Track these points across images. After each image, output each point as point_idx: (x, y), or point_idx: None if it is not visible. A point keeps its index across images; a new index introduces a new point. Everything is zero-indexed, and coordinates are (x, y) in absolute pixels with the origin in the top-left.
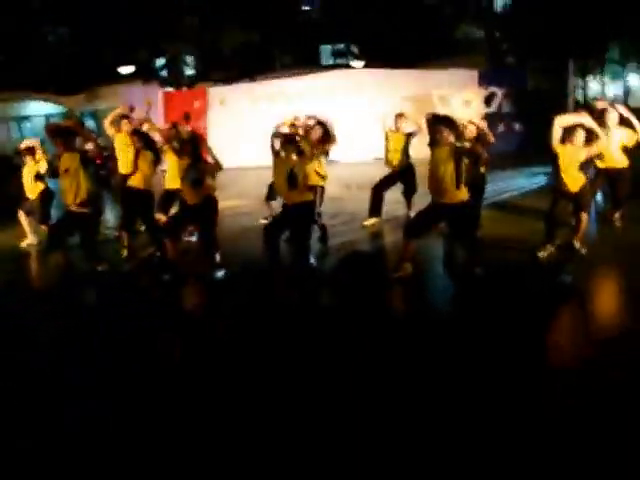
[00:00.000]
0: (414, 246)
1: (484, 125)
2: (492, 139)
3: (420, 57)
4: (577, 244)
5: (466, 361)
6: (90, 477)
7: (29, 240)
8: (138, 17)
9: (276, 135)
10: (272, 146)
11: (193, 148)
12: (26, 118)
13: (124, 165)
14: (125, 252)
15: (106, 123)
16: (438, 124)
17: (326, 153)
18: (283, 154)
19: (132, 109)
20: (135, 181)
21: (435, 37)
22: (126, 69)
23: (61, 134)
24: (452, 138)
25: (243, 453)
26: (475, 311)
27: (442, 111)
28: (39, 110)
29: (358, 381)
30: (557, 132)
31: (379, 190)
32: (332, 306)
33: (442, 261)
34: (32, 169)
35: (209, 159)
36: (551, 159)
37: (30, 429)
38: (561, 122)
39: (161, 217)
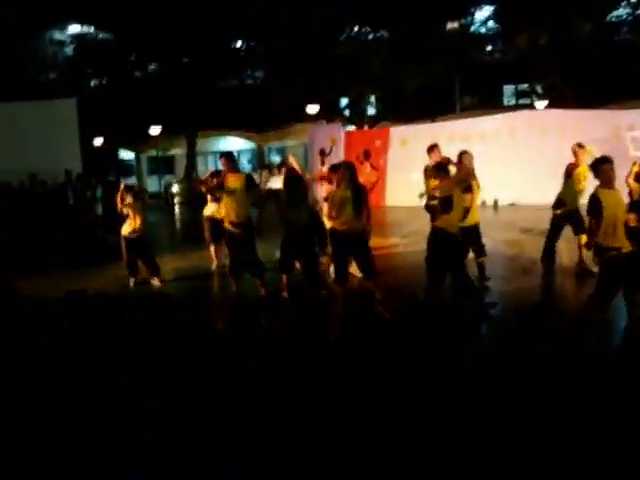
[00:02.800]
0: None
1: None
2: None
3: (612, 96)
4: None
5: None
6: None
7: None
8: (326, 59)
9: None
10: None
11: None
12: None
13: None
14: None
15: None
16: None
17: None
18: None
19: (323, 152)
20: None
21: (630, 75)
22: (313, 108)
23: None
24: None
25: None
26: None
27: (636, 154)
28: (232, 146)
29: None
30: None
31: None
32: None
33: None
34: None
35: None
36: None
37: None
38: None
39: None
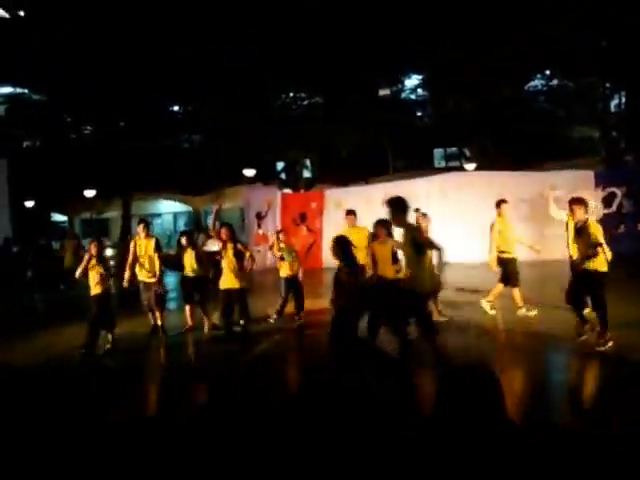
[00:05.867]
0: None
1: None
2: None
3: (535, 159)
4: None
5: None
6: None
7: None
8: (263, 125)
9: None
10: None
11: None
12: (158, 215)
13: None
14: None
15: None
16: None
17: None
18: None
19: (259, 215)
20: None
21: (550, 139)
22: (249, 172)
23: None
24: None
25: None
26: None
27: (559, 212)
28: (169, 208)
29: None
30: None
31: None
32: None
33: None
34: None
35: None
36: None
37: None
38: None
39: None
